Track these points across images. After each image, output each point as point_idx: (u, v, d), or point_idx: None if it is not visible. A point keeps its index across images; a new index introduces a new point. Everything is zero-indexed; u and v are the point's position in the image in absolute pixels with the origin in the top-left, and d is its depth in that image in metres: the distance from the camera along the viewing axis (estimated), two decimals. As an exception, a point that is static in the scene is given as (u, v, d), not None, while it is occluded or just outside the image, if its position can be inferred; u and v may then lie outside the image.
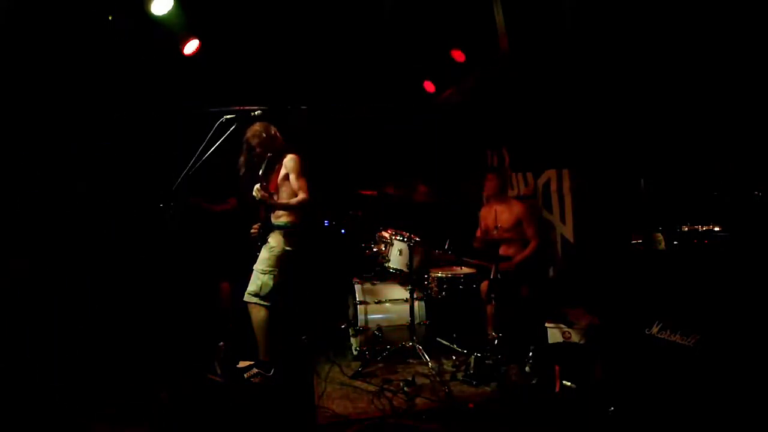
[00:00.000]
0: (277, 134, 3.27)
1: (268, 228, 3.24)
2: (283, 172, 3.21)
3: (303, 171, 3.20)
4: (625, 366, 2.33)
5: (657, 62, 2.67)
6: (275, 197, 3.20)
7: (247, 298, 3.15)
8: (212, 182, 4.67)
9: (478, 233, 4.03)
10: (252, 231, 3.34)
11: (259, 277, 3.14)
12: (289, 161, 3.19)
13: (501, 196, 3.84)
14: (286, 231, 3.22)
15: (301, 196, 3.13)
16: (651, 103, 2.81)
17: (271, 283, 3.14)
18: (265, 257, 3.19)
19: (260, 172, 3.07)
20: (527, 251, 3.66)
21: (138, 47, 3.73)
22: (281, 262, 3.20)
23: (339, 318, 4.23)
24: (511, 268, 3.56)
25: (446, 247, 4.04)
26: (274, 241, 3.20)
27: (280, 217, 3.23)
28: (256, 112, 3.06)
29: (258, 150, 3.17)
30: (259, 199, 3.06)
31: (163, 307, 3.69)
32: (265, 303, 3.12)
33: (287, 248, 3.21)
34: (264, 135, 3.18)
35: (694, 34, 2.26)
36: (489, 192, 3.86)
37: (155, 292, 3.66)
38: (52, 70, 3.45)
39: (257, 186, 3.04)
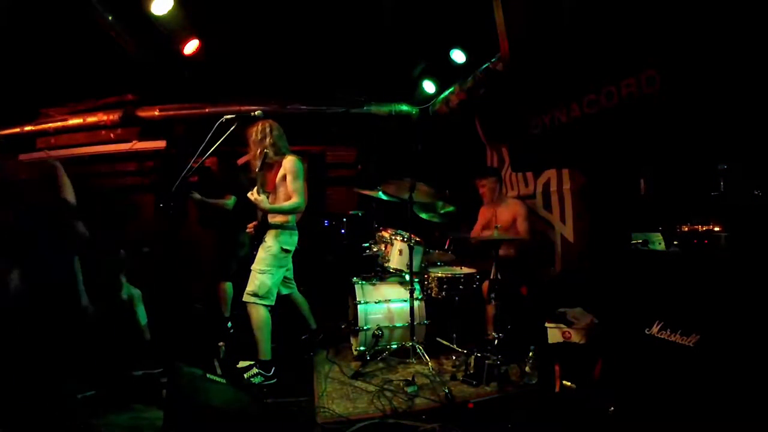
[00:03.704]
0: (282, 134, 3.25)
1: (265, 227, 3.24)
2: (281, 172, 3.19)
3: (300, 174, 3.18)
4: (625, 366, 2.32)
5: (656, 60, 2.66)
6: (271, 197, 3.20)
7: (245, 298, 3.15)
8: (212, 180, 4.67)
9: (476, 230, 4.04)
10: (248, 230, 3.33)
11: (257, 277, 3.14)
12: (288, 162, 3.18)
13: (498, 198, 3.89)
14: (282, 230, 3.22)
15: (294, 199, 3.11)
16: (650, 102, 2.80)
17: (269, 282, 3.14)
18: (262, 257, 3.18)
19: (258, 170, 3.05)
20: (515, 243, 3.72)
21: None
22: (278, 262, 3.20)
23: (339, 318, 4.23)
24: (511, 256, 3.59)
25: (446, 247, 4.05)
26: (271, 240, 3.20)
27: (277, 217, 3.24)
28: (256, 113, 3.06)
29: (262, 147, 3.14)
30: (254, 201, 3.05)
31: (163, 307, 3.68)
32: (264, 303, 3.12)
33: (284, 248, 3.22)
34: (268, 131, 3.18)
35: (694, 33, 2.26)
36: (486, 198, 3.95)
37: (155, 292, 3.66)
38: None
39: (254, 189, 3.03)
